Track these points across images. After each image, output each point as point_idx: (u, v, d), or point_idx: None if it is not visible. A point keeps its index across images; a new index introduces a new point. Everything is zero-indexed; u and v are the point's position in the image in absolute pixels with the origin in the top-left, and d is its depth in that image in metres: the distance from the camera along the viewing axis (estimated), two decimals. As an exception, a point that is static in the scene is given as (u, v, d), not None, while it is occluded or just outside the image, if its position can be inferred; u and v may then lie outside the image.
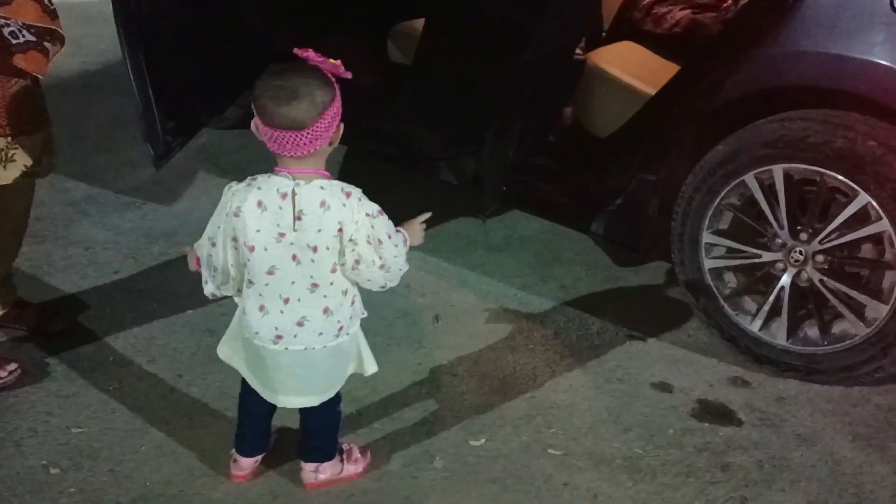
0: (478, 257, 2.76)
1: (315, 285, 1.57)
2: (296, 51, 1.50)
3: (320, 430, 1.79)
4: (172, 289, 2.45)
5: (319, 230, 1.53)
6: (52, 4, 1.79)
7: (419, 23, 2.96)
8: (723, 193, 2.18)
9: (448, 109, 2.53)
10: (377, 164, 3.16)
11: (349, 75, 1.51)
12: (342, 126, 1.55)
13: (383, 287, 1.64)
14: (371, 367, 1.78)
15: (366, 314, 1.74)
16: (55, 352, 2.16)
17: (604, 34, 2.97)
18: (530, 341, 2.34)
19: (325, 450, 1.80)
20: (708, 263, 2.25)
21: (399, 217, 1.70)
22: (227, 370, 1.83)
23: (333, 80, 1.49)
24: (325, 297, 1.59)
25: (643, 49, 2.80)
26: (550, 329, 2.40)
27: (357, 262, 1.57)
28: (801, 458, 1.95)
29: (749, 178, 2.13)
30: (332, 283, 1.59)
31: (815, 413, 2.10)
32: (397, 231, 1.63)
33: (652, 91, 2.40)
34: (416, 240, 1.69)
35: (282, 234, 1.53)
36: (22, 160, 1.89)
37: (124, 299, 2.43)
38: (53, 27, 1.79)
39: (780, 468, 1.92)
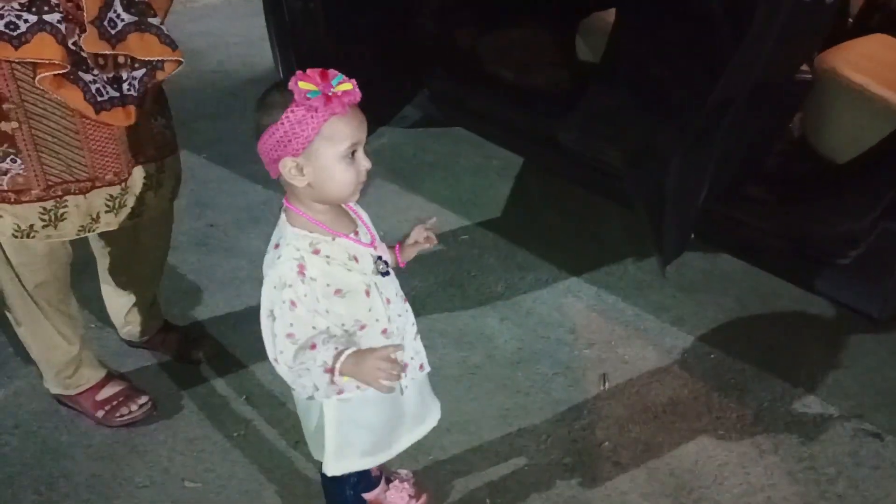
0: (665, 298, 2.31)
1: None
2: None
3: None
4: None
5: None
6: (167, 32, 1.62)
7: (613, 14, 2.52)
8: None
9: (635, 121, 2.09)
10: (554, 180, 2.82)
11: (331, 105, 1.17)
12: (310, 172, 1.21)
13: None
14: (327, 468, 1.42)
15: (341, 395, 1.33)
16: (192, 383, 2.06)
17: (850, 22, 2.34)
18: (721, 424, 1.87)
19: None
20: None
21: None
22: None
23: (297, 107, 1.17)
24: None
25: (902, 43, 2.15)
26: (751, 409, 1.91)
27: None
28: None
29: None
30: None
31: None
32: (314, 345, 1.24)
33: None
34: (366, 374, 1.22)
35: None
36: (131, 202, 1.77)
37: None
38: (175, 57, 1.62)
39: None
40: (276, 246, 1.25)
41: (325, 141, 1.19)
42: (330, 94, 1.16)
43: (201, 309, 2.36)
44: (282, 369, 1.26)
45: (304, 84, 1.17)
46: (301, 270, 1.22)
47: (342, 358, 1.22)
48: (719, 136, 1.75)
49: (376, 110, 2.50)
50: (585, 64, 2.70)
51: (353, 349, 1.23)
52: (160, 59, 1.62)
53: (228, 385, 2.07)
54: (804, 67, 1.92)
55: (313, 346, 1.23)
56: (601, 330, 2.20)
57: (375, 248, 1.33)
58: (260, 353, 2.09)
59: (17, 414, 1.97)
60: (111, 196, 1.72)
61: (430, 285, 2.38)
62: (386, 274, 1.34)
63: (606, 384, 2.00)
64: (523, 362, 2.10)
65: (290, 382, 1.29)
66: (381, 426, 1.42)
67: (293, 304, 1.21)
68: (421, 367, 1.45)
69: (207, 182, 3.05)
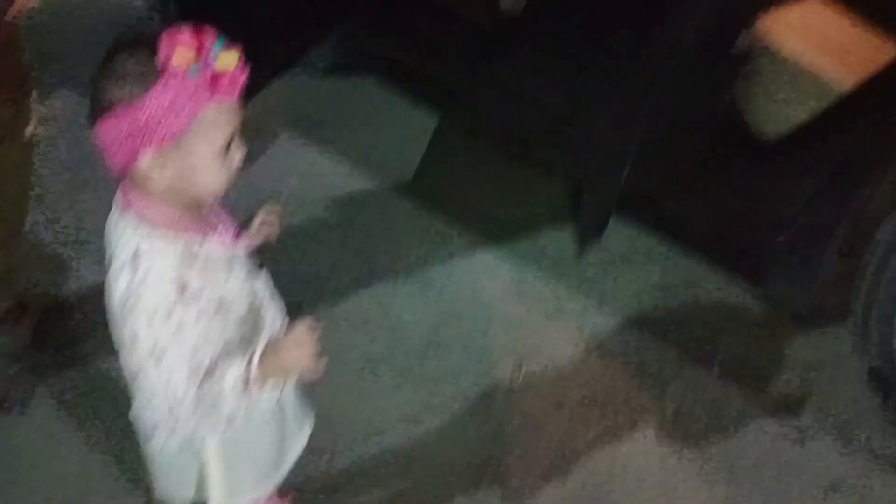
0: (588, 275, 2.16)
1: None
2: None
3: None
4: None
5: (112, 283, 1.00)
6: None
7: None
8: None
9: (559, 83, 1.92)
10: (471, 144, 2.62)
11: (217, 92, 0.92)
12: (173, 166, 0.95)
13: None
14: None
15: (217, 431, 1.11)
16: (53, 372, 1.80)
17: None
18: (645, 423, 1.75)
19: None
20: (909, 351, 1.56)
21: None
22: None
23: (166, 86, 0.90)
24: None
25: (843, 10, 2.00)
26: (671, 404, 1.79)
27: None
28: None
29: None
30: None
31: None
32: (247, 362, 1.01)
33: (849, 79, 1.67)
34: (294, 363, 1.02)
35: None
36: None
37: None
38: None
39: None
40: (136, 257, 0.96)
41: (200, 133, 0.93)
42: (213, 67, 0.90)
43: (67, 282, 2.07)
44: (179, 422, 1.01)
45: (181, 56, 0.89)
46: (183, 288, 0.96)
47: (255, 362, 1.00)
48: (648, 105, 1.58)
49: (273, 57, 2.24)
50: (509, 15, 2.49)
51: (262, 346, 1.02)
52: None
53: (90, 378, 1.82)
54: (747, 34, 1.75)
55: (210, 372, 0.99)
56: (518, 313, 2.04)
57: (240, 241, 1.10)
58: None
59: None
60: None
61: (333, 260, 2.15)
62: (261, 266, 1.13)
63: (521, 373, 1.85)
64: (432, 348, 1.92)
65: (188, 430, 1.05)
66: (271, 446, 1.23)
67: (181, 332, 0.95)
68: None
69: (83, 131, 2.71)
